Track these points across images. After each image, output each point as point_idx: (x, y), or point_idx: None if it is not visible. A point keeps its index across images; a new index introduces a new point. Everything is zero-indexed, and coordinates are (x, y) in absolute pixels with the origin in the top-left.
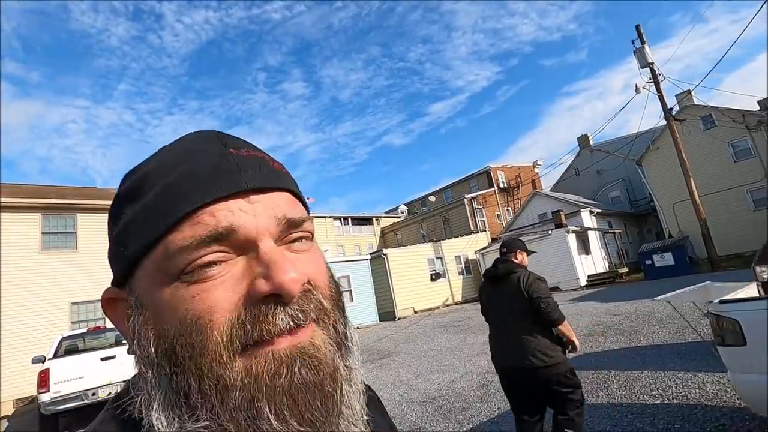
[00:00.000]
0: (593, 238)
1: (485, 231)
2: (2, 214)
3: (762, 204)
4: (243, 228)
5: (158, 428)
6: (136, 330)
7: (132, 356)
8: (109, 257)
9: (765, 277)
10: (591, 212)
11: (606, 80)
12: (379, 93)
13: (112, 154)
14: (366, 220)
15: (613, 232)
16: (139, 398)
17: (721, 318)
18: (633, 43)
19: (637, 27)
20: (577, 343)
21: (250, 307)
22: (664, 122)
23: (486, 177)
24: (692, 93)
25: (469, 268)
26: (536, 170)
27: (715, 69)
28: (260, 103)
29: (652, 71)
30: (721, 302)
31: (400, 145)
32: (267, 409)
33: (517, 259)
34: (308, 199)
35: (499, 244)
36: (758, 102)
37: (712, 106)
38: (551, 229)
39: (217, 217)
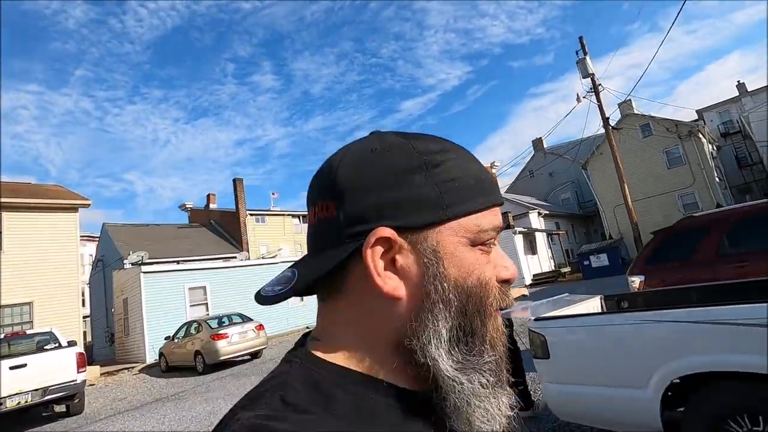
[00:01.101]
0: (540, 238)
1: None
2: None
3: (691, 208)
4: (502, 228)
5: (446, 356)
6: (431, 273)
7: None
8: (406, 198)
9: (635, 286)
10: (539, 214)
11: (570, 83)
12: (351, 88)
13: (68, 143)
14: None
15: (558, 233)
16: (421, 331)
17: (534, 333)
18: (576, 53)
19: (580, 39)
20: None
21: (500, 284)
22: (614, 127)
23: None
24: (632, 102)
25: None
26: (494, 171)
27: (672, 78)
28: (229, 94)
29: (593, 81)
30: (536, 320)
31: None
32: (500, 349)
33: None
34: (272, 194)
35: None
36: (696, 111)
37: (649, 116)
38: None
39: (499, 218)
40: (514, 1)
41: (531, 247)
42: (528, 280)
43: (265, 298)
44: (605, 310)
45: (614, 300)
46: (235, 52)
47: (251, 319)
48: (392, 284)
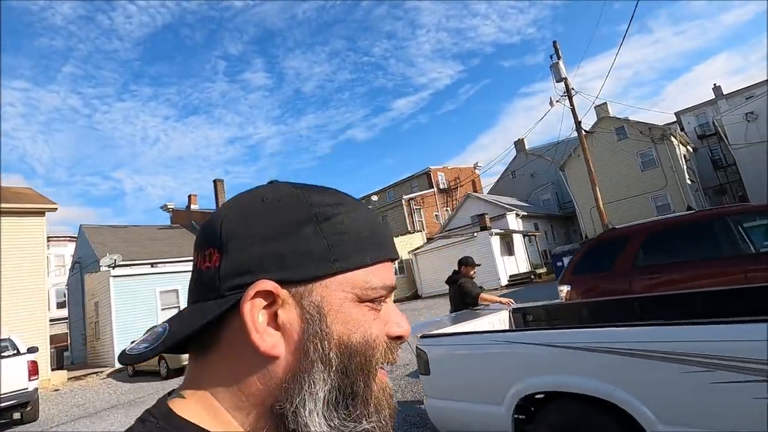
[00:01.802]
0: (517, 239)
1: (421, 231)
2: None
3: (663, 210)
4: (395, 287)
5: (319, 423)
6: (309, 330)
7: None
8: (292, 250)
9: (562, 295)
10: (517, 215)
11: (560, 84)
12: (342, 87)
13: (55, 140)
14: None
15: (535, 235)
16: (295, 394)
17: (419, 350)
18: (551, 57)
19: (554, 43)
20: (503, 300)
21: (391, 340)
22: (586, 131)
23: (426, 178)
24: (608, 105)
25: (402, 268)
26: (477, 171)
27: (660, 78)
28: (219, 92)
29: (566, 85)
30: (421, 337)
31: (364, 140)
32: (386, 412)
33: (461, 271)
34: None
35: (434, 243)
36: (675, 113)
37: (624, 119)
38: (476, 232)
39: (392, 274)
40: (505, 1)
41: (508, 249)
42: (504, 281)
43: (128, 357)
44: (512, 323)
45: (521, 313)
46: (225, 50)
47: None
48: (271, 341)
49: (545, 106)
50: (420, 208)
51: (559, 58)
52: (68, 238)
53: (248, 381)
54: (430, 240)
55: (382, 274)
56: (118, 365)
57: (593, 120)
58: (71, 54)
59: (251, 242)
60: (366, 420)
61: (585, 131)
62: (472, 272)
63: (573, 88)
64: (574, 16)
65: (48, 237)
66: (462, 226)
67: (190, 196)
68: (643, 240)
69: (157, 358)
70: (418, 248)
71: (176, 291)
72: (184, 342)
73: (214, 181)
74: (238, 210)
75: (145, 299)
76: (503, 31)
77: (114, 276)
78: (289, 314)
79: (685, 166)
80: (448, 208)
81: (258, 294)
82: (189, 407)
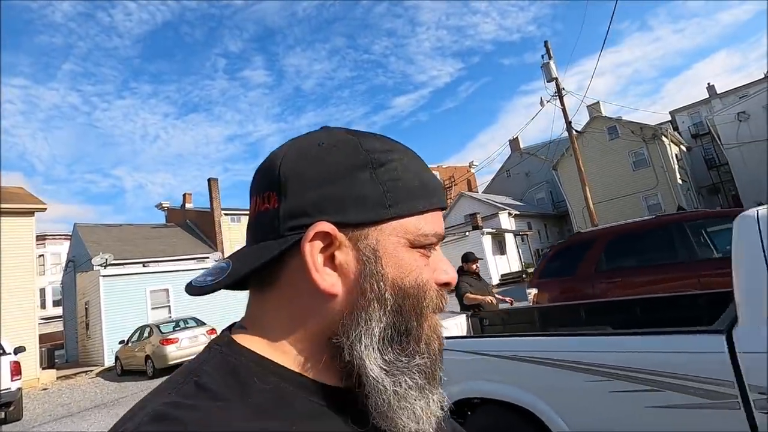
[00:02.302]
0: (510, 239)
1: None
2: None
3: (655, 209)
4: (444, 236)
5: (375, 355)
6: (366, 271)
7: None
8: (349, 195)
9: (530, 298)
10: (510, 214)
11: (560, 81)
12: (342, 84)
13: (55, 138)
14: None
15: (527, 234)
16: (352, 329)
17: None
18: (542, 57)
19: (545, 43)
20: (488, 299)
21: (439, 287)
22: (577, 131)
23: None
24: (600, 105)
25: None
26: (472, 170)
27: (660, 75)
28: (219, 90)
29: (557, 85)
30: None
31: None
32: (435, 346)
33: (463, 268)
34: None
35: None
36: (669, 112)
37: (616, 118)
38: (468, 231)
39: (442, 223)
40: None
41: (500, 248)
42: (496, 280)
43: (194, 288)
44: (470, 327)
45: (477, 318)
46: (226, 47)
47: (204, 324)
48: (330, 281)
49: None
50: None
51: (550, 58)
52: (64, 236)
53: (307, 317)
54: None
55: (433, 222)
56: (107, 364)
57: (587, 119)
58: (71, 51)
59: (309, 185)
60: (419, 356)
61: (576, 131)
62: (473, 267)
63: (564, 88)
64: (574, 14)
65: (44, 235)
66: (455, 225)
67: (185, 195)
68: (605, 244)
69: (144, 358)
70: None
71: (167, 290)
72: (244, 278)
73: (209, 180)
74: (296, 153)
75: (134, 298)
76: (503, 29)
77: (103, 275)
78: (346, 255)
79: (676, 166)
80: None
81: (317, 235)
82: (249, 337)
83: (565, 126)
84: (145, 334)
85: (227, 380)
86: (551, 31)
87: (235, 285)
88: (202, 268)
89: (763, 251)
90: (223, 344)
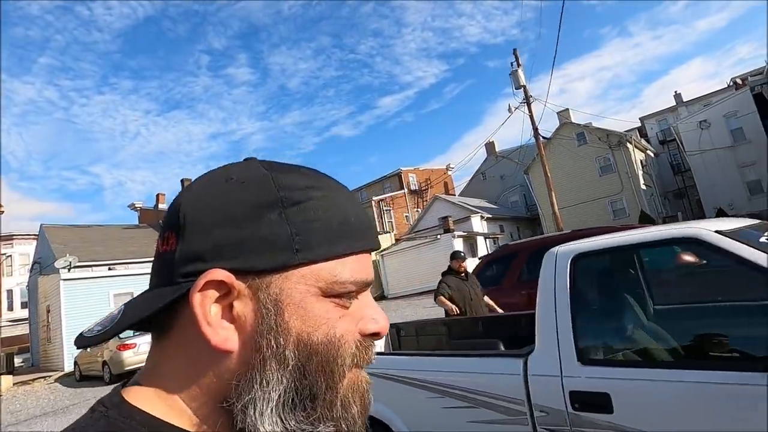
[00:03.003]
0: (481, 242)
1: (390, 232)
2: None
3: (620, 214)
4: (372, 281)
5: (270, 424)
6: (266, 326)
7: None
8: (252, 237)
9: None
10: (482, 217)
11: (543, 84)
12: (328, 83)
13: (30, 133)
14: None
15: (497, 237)
16: (245, 392)
17: None
18: (511, 65)
19: (514, 51)
20: (453, 308)
21: (363, 338)
22: (545, 137)
23: (397, 179)
24: (569, 111)
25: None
26: (449, 173)
27: (638, 81)
28: (203, 87)
29: (525, 92)
30: None
31: (349, 137)
32: (355, 410)
33: (454, 267)
34: None
35: (400, 245)
36: (639, 119)
37: (584, 125)
38: (440, 234)
39: (368, 268)
40: (490, 2)
41: (471, 251)
42: None
43: (82, 339)
44: (388, 339)
45: (394, 328)
46: (209, 44)
47: None
48: (223, 335)
49: (524, 107)
50: (390, 209)
51: (518, 66)
52: (33, 236)
53: (201, 373)
54: (398, 240)
55: (354, 267)
56: (67, 369)
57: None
58: (48, 45)
59: (208, 226)
60: (325, 422)
61: (544, 138)
62: (458, 266)
63: (532, 96)
64: (558, 19)
65: (11, 235)
66: (429, 228)
67: (158, 195)
68: (527, 256)
69: (100, 363)
70: (385, 249)
71: (131, 294)
72: (141, 325)
73: (182, 181)
74: (199, 191)
75: (97, 303)
76: (488, 32)
77: (65, 279)
78: (244, 306)
79: (640, 172)
80: (419, 209)
81: (210, 284)
82: (143, 395)
83: (532, 132)
84: None
85: None
86: (534, 35)
87: (133, 329)
88: None
89: (554, 284)
90: (110, 405)
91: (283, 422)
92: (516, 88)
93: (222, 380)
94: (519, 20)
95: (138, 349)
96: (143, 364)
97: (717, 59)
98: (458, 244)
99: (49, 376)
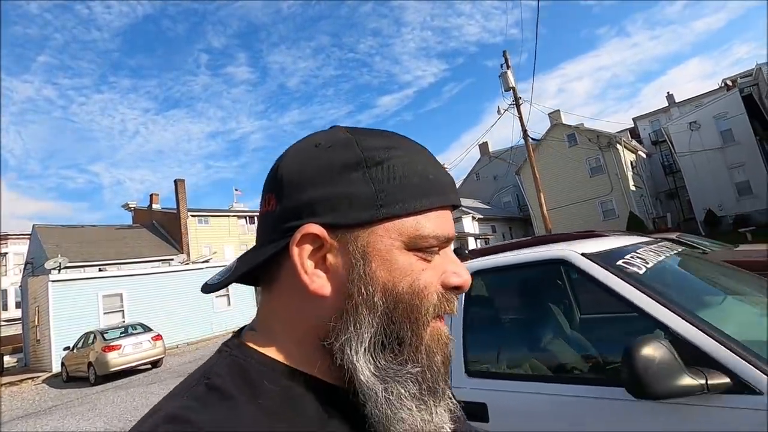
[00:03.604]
0: (473, 242)
1: None
2: None
3: (610, 215)
4: (453, 237)
5: (365, 362)
6: (356, 274)
7: (314, 291)
8: (340, 195)
9: None
10: (473, 218)
11: (541, 84)
12: (327, 83)
13: (29, 132)
14: None
15: (488, 237)
16: (341, 333)
17: None
18: (501, 66)
19: (504, 53)
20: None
21: (445, 291)
22: (534, 139)
23: None
24: (560, 112)
25: None
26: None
27: (637, 80)
28: (202, 85)
29: (514, 94)
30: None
31: None
32: (438, 358)
33: None
34: (236, 191)
35: None
36: (633, 119)
37: (575, 126)
38: None
39: (449, 224)
40: (489, 1)
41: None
42: None
43: (207, 286)
44: None
45: None
46: (209, 43)
47: (150, 330)
48: (319, 282)
49: (526, 105)
50: None
51: (508, 68)
52: (28, 236)
53: (302, 317)
54: None
55: (435, 223)
56: (55, 370)
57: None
58: (47, 43)
59: (303, 187)
60: (412, 364)
61: (533, 140)
62: None
63: (521, 97)
64: (557, 18)
65: (7, 235)
66: None
67: (151, 195)
68: None
69: (86, 365)
70: None
71: (120, 295)
72: (250, 277)
73: (175, 181)
74: (293, 155)
75: (86, 304)
76: (487, 31)
77: (52, 281)
78: (336, 258)
79: (630, 173)
80: None
81: (305, 237)
82: (257, 338)
83: (522, 133)
84: (90, 341)
85: (237, 382)
86: (533, 35)
87: (243, 281)
88: (152, 273)
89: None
90: (232, 346)
91: (375, 360)
92: (505, 90)
93: (321, 323)
94: (518, 19)
95: (123, 350)
96: (128, 365)
97: (714, 59)
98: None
99: (38, 377)
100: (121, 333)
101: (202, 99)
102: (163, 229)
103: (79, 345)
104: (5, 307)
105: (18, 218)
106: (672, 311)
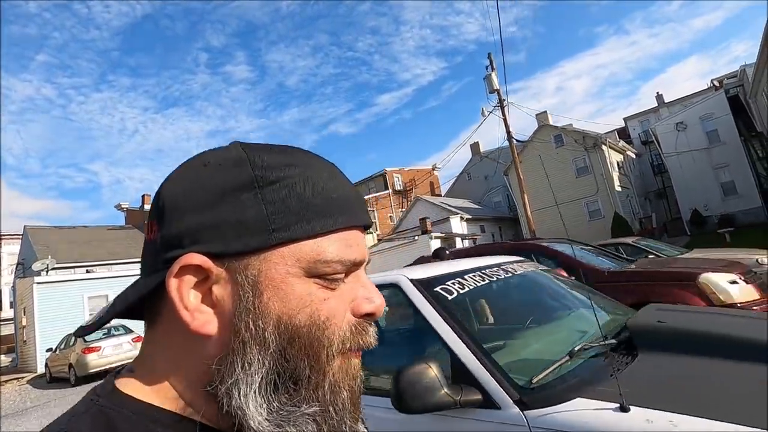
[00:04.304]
0: (460, 243)
1: (372, 233)
2: None
3: (595, 215)
4: (364, 260)
5: (255, 406)
6: (243, 308)
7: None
8: (227, 220)
9: None
10: (462, 218)
11: (540, 82)
12: (326, 81)
13: (28, 131)
14: None
15: (475, 238)
16: (228, 375)
17: None
18: (486, 68)
19: (489, 55)
20: None
21: (357, 321)
22: (518, 140)
23: (382, 180)
24: (547, 113)
25: None
26: (435, 173)
27: (635, 78)
28: (201, 84)
29: (498, 96)
30: None
31: (347, 134)
32: (344, 395)
33: None
34: None
35: (380, 246)
36: (623, 119)
37: (561, 127)
38: (417, 235)
39: (357, 246)
40: (488, 0)
41: None
42: None
43: (82, 328)
44: None
45: None
46: (207, 42)
47: (132, 331)
48: (202, 319)
49: (526, 103)
50: (374, 210)
51: (492, 70)
52: (21, 236)
53: (186, 358)
54: (381, 240)
55: (339, 246)
56: (40, 371)
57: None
58: (46, 42)
59: (185, 212)
60: (308, 404)
61: (518, 141)
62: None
63: (505, 99)
64: (555, 18)
65: (1, 235)
66: (411, 228)
67: (143, 196)
68: None
69: (67, 366)
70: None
71: (106, 296)
72: (130, 313)
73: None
74: (178, 177)
75: (72, 306)
76: (486, 30)
77: (38, 282)
78: (224, 290)
79: (616, 174)
80: (403, 210)
81: (186, 268)
82: (133, 382)
83: (506, 136)
84: (71, 342)
85: None
86: (531, 33)
87: (124, 316)
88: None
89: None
90: (102, 394)
91: (268, 404)
92: (490, 92)
93: (205, 364)
94: (516, 18)
95: (102, 352)
96: (108, 367)
97: (712, 58)
98: (436, 245)
99: (23, 378)
100: (103, 334)
101: (201, 97)
102: None
103: (62, 346)
104: (0, 307)
105: (18, 217)
106: (456, 334)
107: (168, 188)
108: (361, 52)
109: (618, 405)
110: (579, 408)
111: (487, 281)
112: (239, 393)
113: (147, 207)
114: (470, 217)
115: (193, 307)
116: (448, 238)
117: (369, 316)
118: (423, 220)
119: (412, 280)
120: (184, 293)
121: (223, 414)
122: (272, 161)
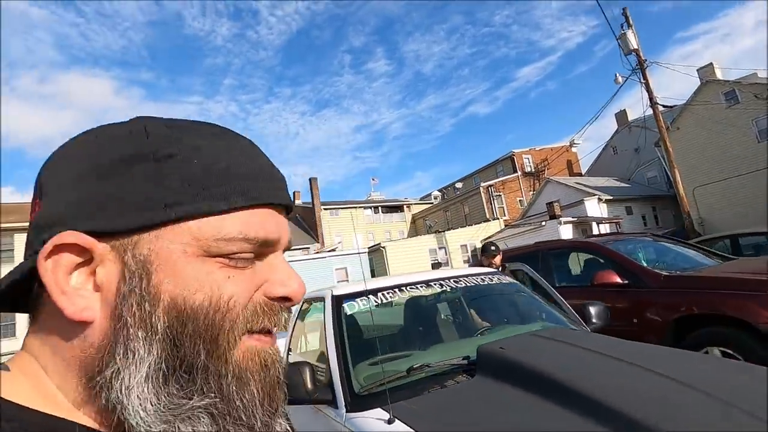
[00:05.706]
0: (598, 229)
1: (498, 219)
2: None
3: None
4: (281, 241)
5: (138, 399)
6: (127, 290)
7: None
8: (115, 195)
9: None
10: (600, 199)
11: (732, 19)
12: (462, 62)
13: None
14: (397, 208)
15: (616, 221)
16: (109, 365)
17: None
18: (621, 26)
19: (624, 10)
20: None
21: (264, 302)
22: (665, 105)
23: (510, 162)
24: (713, 66)
25: (476, 255)
26: (573, 150)
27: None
28: (347, 84)
29: (638, 57)
30: None
31: (485, 115)
32: (252, 386)
33: (483, 264)
34: (372, 180)
35: (505, 232)
36: None
37: (734, 81)
38: (545, 221)
39: (270, 224)
40: None
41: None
42: None
43: None
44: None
45: None
46: (350, 44)
47: None
48: (81, 304)
49: (712, 49)
50: (501, 195)
51: (629, 26)
52: None
53: (68, 348)
54: (508, 226)
55: (246, 223)
56: None
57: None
58: (229, 68)
59: (69, 187)
60: (201, 395)
61: (664, 107)
62: (488, 263)
63: (646, 60)
64: None
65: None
66: (540, 213)
67: (294, 193)
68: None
69: None
70: (491, 235)
71: None
72: (9, 303)
73: (310, 179)
74: (65, 151)
75: None
76: None
77: None
78: (109, 272)
79: None
80: (535, 192)
81: (62, 248)
82: (11, 381)
83: (648, 103)
84: None
85: None
86: None
87: (10, 308)
88: (304, 257)
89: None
90: None
91: (155, 396)
92: (626, 54)
93: (87, 355)
94: None
95: None
96: None
97: None
98: (567, 232)
99: None
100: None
101: (348, 96)
102: (303, 221)
103: None
104: None
105: None
106: (334, 344)
107: (53, 162)
108: (497, 26)
109: (389, 417)
110: (370, 416)
111: (398, 297)
112: (121, 385)
113: (297, 202)
114: (611, 197)
115: (71, 291)
116: (582, 223)
117: (283, 301)
118: (551, 204)
119: (332, 296)
120: (59, 276)
121: (108, 411)
122: (172, 134)
